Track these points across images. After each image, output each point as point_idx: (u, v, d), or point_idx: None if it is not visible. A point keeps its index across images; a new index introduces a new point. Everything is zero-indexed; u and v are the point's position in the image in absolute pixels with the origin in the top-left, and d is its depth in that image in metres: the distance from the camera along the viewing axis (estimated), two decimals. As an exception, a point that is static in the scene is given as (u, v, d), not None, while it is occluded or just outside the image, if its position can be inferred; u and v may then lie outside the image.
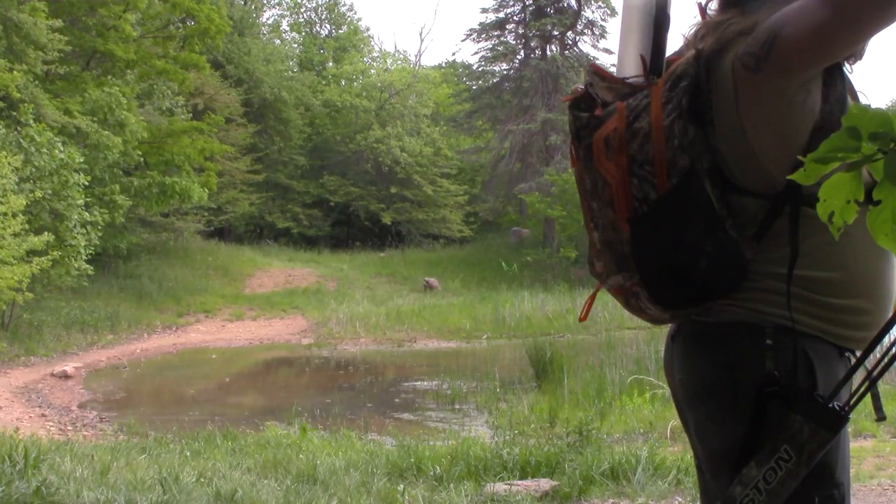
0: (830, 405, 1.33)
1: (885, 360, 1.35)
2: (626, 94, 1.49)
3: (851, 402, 1.36)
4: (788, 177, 0.83)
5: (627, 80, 1.51)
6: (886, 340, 1.40)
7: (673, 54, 1.56)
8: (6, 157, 11.53)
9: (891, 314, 1.44)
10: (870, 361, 1.46)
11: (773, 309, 1.41)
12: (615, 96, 1.49)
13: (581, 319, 1.76)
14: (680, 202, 1.41)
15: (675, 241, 1.43)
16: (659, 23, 1.52)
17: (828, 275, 1.41)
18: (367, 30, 49.14)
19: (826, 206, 0.79)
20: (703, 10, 1.55)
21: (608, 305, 16.24)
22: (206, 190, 19.12)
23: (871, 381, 1.38)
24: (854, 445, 5.67)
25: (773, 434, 1.34)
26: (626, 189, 1.44)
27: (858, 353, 1.46)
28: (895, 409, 6.62)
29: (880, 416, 1.45)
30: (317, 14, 39.10)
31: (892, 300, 1.48)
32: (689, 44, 1.54)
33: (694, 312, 1.50)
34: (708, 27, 1.50)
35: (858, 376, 1.44)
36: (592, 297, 1.68)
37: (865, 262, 1.44)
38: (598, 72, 1.54)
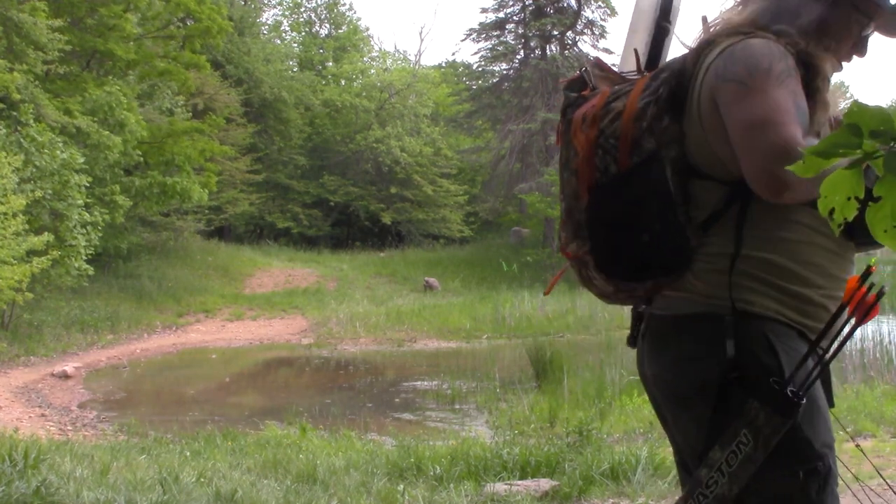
0: (786, 390, 1.35)
1: (837, 344, 1.42)
2: (617, 83, 1.60)
3: (804, 387, 1.38)
4: (787, 167, 0.84)
5: (624, 74, 1.61)
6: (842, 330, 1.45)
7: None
8: (6, 157, 11.53)
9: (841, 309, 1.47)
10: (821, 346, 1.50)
11: (727, 292, 1.45)
12: (608, 85, 1.60)
13: (545, 294, 1.92)
14: (638, 181, 1.49)
15: (626, 215, 1.51)
16: (660, 28, 1.61)
17: (777, 258, 1.45)
18: (367, 29, 49.08)
19: (826, 202, 0.79)
20: (706, 23, 1.60)
21: (608, 305, 16.21)
22: (206, 190, 19.12)
23: (823, 365, 1.42)
24: (854, 445, 5.65)
25: (736, 419, 1.38)
26: (590, 159, 1.54)
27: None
28: (895, 409, 6.63)
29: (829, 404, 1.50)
30: (316, 14, 39.09)
31: (842, 294, 1.51)
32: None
33: (637, 291, 1.58)
34: (709, 25, 1.57)
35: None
36: (561, 273, 1.80)
37: (817, 254, 1.47)
38: (599, 64, 1.65)
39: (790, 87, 1.39)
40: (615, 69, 1.63)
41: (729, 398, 1.42)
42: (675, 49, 1.67)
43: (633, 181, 1.50)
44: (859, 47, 1.55)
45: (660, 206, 1.47)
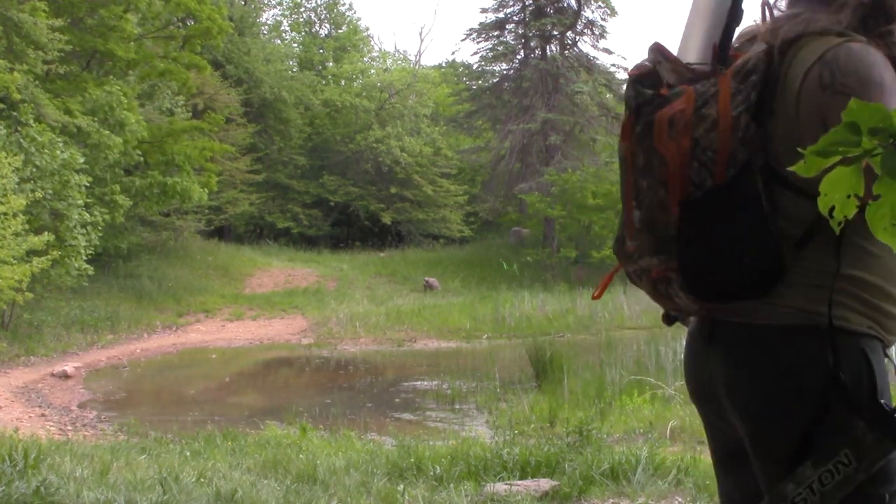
0: (894, 413, 1.32)
1: None
2: (691, 80, 1.48)
3: None
4: (789, 168, 0.84)
5: (692, 66, 1.51)
6: None
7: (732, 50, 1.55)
8: (6, 157, 11.53)
9: None
10: None
11: (824, 307, 1.40)
12: (679, 80, 1.49)
13: (595, 297, 1.75)
14: (733, 195, 1.41)
15: (723, 232, 1.42)
16: (732, 15, 1.50)
17: (869, 276, 1.42)
18: (367, 29, 49.07)
19: (826, 200, 0.79)
20: (766, 8, 1.55)
21: (608, 306, 16.25)
22: (206, 190, 19.13)
23: None
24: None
25: (834, 437, 1.33)
26: (684, 171, 1.43)
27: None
28: None
29: None
30: (316, 14, 39.09)
31: None
32: (755, 39, 1.53)
33: (722, 309, 1.49)
34: (781, 20, 1.49)
35: None
36: (610, 277, 1.67)
37: None
38: (663, 52, 1.53)
39: None
40: (679, 59, 1.54)
41: (827, 414, 1.38)
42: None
43: (729, 195, 1.41)
44: None
45: (756, 221, 1.40)
